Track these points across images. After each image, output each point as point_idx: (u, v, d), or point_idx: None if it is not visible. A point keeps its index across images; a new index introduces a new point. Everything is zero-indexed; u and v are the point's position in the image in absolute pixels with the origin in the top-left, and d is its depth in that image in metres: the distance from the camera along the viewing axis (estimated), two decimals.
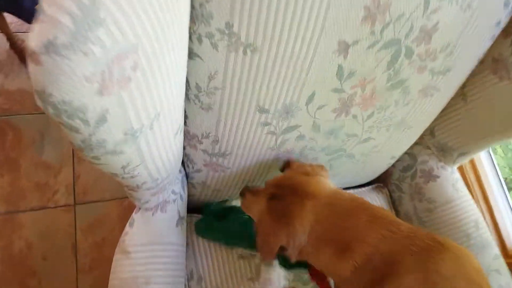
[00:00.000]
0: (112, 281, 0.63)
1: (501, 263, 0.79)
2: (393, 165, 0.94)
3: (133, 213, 0.68)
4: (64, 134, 0.32)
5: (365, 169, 0.85)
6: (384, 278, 0.49)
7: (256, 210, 0.60)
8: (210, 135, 0.62)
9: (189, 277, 0.76)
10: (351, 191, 0.97)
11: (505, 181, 1.06)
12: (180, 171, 0.73)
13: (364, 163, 0.81)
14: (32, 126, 1.31)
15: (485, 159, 1.07)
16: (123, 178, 0.47)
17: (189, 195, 0.81)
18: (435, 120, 0.78)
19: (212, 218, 0.81)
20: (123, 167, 0.42)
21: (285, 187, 0.58)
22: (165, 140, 0.46)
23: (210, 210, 0.83)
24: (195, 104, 0.56)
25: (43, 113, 0.29)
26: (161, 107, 0.38)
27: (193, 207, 0.87)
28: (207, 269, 0.77)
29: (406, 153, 0.90)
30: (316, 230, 0.53)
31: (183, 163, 0.73)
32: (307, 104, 0.56)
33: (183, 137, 0.57)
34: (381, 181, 1.00)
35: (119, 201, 1.28)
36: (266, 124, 0.60)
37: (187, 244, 0.77)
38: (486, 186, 1.03)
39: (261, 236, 0.58)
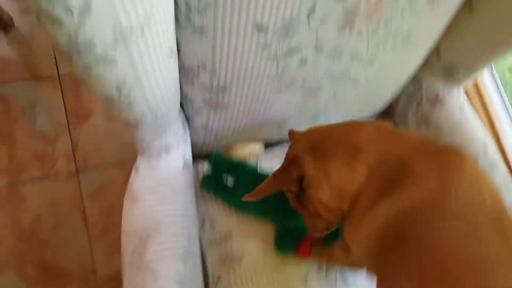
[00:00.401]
0: (125, 228, 0.62)
1: (510, 182, 0.78)
2: (398, 95, 0.91)
3: (137, 160, 0.66)
4: (50, 38, 0.29)
5: (370, 98, 0.82)
6: (398, 185, 0.46)
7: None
8: (206, 65, 0.58)
9: (202, 223, 0.76)
10: None
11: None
12: (180, 113, 0.70)
13: (369, 90, 0.78)
14: (20, 95, 1.26)
15: (490, 85, 1.05)
16: (120, 106, 0.44)
17: (192, 143, 0.79)
18: (442, 38, 0.75)
19: (219, 176, 0.76)
20: (118, 87, 0.39)
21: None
22: (159, 57, 0.43)
23: (217, 162, 0.77)
24: (187, 28, 0.52)
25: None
26: (150, 7, 0.35)
27: (198, 154, 0.85)
28: (218, 211, 0.76)
29: (410, 80, 0.87)
30: (316, 145, 0.52)
31: (182, 106, 0.70)
32: (308, 16, 0.52)
33: (177, 66, 0.54)
34: (385, 114, 0.98)
35: (123, 165, 1.26)
36: (266, 46, 0.56)
37: (196, 192, 0.75)
38: (492, 112, 1.01)
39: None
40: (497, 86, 1.03)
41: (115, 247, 1.18)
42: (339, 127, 0.54)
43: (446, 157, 0.47)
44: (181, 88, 0.64)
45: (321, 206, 0.53)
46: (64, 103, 1.29)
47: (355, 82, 0.73)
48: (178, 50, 0.55)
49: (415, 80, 0.86)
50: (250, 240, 0.75)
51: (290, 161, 0.54)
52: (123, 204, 0.64)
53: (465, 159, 0.47)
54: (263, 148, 0.91)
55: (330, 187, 0.51)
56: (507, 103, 1.03)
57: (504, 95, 1.04)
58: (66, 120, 1.27)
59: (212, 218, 0.76)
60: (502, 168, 0.78)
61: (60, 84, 1.30)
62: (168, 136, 0.65)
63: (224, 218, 0.76)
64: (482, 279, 0.40)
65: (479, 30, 0.71)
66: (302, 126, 0.63)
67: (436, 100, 0.83)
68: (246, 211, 0.76)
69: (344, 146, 0.50)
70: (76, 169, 1.23)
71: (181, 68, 0.59)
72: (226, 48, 0.56)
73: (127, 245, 0.60)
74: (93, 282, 1.15)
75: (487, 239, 0.41)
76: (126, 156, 1.27)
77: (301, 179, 0.53)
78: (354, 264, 0.67)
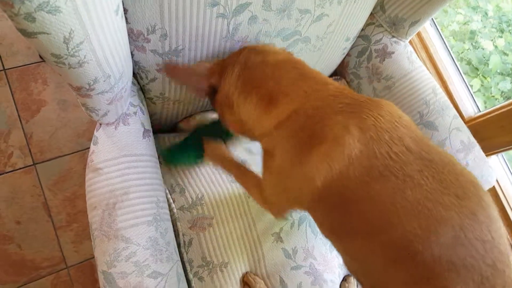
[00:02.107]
0: (90, 200, 0.61)
1: (460, 122, 0.84)
2: (348, 54, 0.95)
3: (95, 131, 0.64)
4: None
5: (323, 58, 0.84)
6: (312, 140, 0.48)
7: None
8: (156, 28, 0.58)
9: (171, 191, 0.76)
10: None
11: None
12: (133, 83, 0.69)
13: (321, 50, 0.81)
14: None
15: (434, 36, 1.11)
16: (70, 65, 0.43)
17: (151, 116, 0.78)
18: None
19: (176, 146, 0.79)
20: (66, 40, 0.38)
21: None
22: (106, 12, 0.41)
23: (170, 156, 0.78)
24: None
25: None
26: None
27: (158, 127, 0.84)
28: (186, 179, 0.77)
29: (359, 36, 0.90)
30: (243, 75, 0.55)
31: (135, 76, 0.69)
32: None
33: (125, 27, 0.53)
34: (338, 74, 1.02)
35: (80, 154, 1.22)
36: (214, 3, 0.56)
37: (160, 163, 0.75)
38: (437, 61, 1.07)
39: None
40: (441, 36, 1.09)
41: (83, 235, 1.16)
42: (273, 69, 0.55)
43: (364, 111, 0.48)
44: (132, 56, 0.63)
45: (223, 119, 0.62)
46: (13, 97, 1.22)
47: (307, 41, 0.75)
48: (125, 16, 0.54)
49: (364, 36, 0.90)
50: (221, 202, 0.76)
51: (216, 71, 0.60)
52: (86, 177, 0.63)
53: (381, 109, 0.48)
54: None
55: (233, 113, 0.58)
56: (452, 53, 1.10)
57: (448, 46, 1.10)
58: (17, 114, 1.21)
59: (181, 185, 0.77)
60: (452, 110, 0.84)
61: (7, 79, 1.23)
62: (124, 105, 0.63)
63: (194, 183, 0.77)
64: (422, 219, 0.42)
65: None
66: None
67: (385, 53, 0.87)
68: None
69: (264, 93, 0.54)
70: (33, 161, 1.18)
71: (130, 33, 0.58)
72: (174, 8, 0.55)
73: (94, 216, 0.59)
74: (65, 272, 1.12)
75: (418, 183, 0.43)
76: (83, 145, 1.23)
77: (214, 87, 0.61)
78: (269, 207, 0.67)
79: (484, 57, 1.55)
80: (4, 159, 1.16)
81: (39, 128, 1.22)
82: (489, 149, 0.91)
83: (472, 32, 1.63)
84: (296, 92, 0.52)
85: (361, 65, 0.93)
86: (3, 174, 1.14)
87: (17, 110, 1.22)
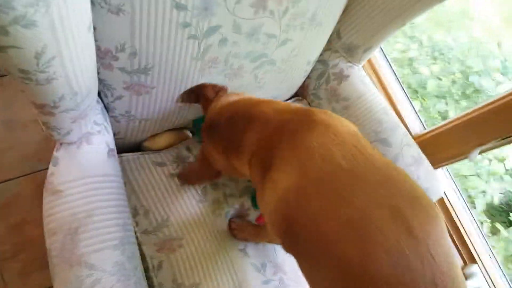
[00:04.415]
0: (49, 225, 0.57)
1: (409, 138, 0.92)
2: (309, 77, 1.00)
3: (54, 151, 0.61)
4: None
5: (286, 79, 0.89)
6: (270, 165, 0.50)
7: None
8: (125, 46, 0.57)
9: (134, 214, 0.73)
10: None
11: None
12: (98, 101, 0.67)
13: (285, 71, 0.85)
14: None
15: (382, 62, 1.21)
16: (37, 81, 0.41)
17: (115, 135, 0.76)
18: (340, 21, 0.85)
19: None
20: (37, 55, 0.36)
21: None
22: (80, 27, 0.41)
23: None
24: (102, 7, 0.50)
25: None
26: None
27: (122, 147, 0.82)
28: (151, 200, 0.75)
29: (318, 61, 0.96)
30: (218, 146, 0.63)
31: (99, 94, 0.67)
32: None
33: (94, 44, 0.52)
34: (299, 95, 1.07)
35: (31, 177, 1.13)
36: (186, 25, 0.57)
37: (124, 183, 0.72)
38: (386, 84, 1.17)
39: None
40: (388, 63, 1.20)
41: (31, 266, 1.06)
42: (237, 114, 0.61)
43: (301, 130, 0.50)
44: (98, 74, 0.61)
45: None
46: None
47: (273, 63, 0.79)
48: (93, 30, 0.53)
49: (323, 61, 0.96)
50: (188, 222, 0.75)
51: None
52: (43, 200, 0.59)
53: (319, 132, 0.49)
54: (190, 134, 0.91)
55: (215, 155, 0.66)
56: (398, 74, 1.20)
57: (394, 68, 1.21)
58: None
59: (146, 207, 0.74)
60: (402, 128, 0.91)
61: None
62: (88, 123, 0.61)
63: (159, 205, 0.75)
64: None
65: (371, 11, 0.82)
66: None
67: (341, 76, 0.93)
68: None
69: (233, 151, 0.60)
70: None
71: (97, 51, 0.57)
72: (145, 28, 0.55)
73: (53, 242, 0.55)
74: None
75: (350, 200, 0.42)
76: (32, 167, 1.14)
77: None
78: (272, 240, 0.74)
79: (422, 81, 1.72)
80: None
81: None
82: (435, 163, 1.00)
83: (410, 59, 1.80)
84: (251, 137, 0.56)
85: (320, 87, 0.98)
86: None
87: None
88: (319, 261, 0.43)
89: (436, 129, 1.05)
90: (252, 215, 0.84)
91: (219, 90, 0.71)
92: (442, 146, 1.05)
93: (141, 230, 0.72)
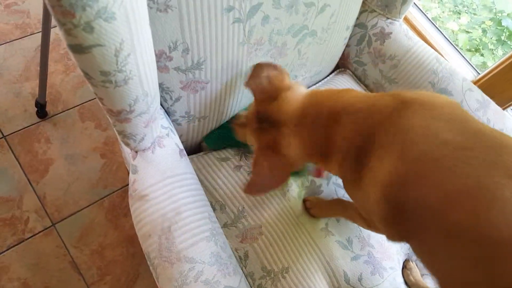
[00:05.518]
0: (142, 229, 0.58)
1: (469, 82, 0.87)
2: (348, 45, 0.98)
3: (131, 161, 0.63)
4: None
5: (328, 50, 0.87)
6: (367, 154, 0.49)
7: (250, 141, 0.67)
8: (178, 44, 0.58)
9: (214, 209, 0.74)
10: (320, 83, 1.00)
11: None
12: (160, 107, 0.69)
13: (326, 42, 0.83)
14: None
15: (417, 14, 1.16)
16: (116, 82, 0.42)
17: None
18: None
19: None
20: (116, 52, 0.38)
21: (262, 120, 0.63)
22: (144, 21, 0.42)
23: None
24: (151, 7, 0.52)
25: None
26: None
27: (187, 152, 0.83)
28: (224, 194, 0.75)
29: (356, 25, 0.93)
30: (304, 146, 0.59)
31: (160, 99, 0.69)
32: None
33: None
34: (341, 67, 1.04)
35: (99, 204, 1.19)
36: (230, 8, 0.58)
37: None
38: (428, 37, 1.12)
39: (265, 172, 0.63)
40: (427, 17, 1.15)
41: (118, 285, 1.10)
42: (323, 100, 0.59)
43: (398, 113, 0.48)
44: None
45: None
46: (19, 162, 1.20)
47: (314, 34, 0.77)
48: None
49: (361, 24, 0.93)
50: (263, 209, 0.75)
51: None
52: (131, 208, 0.61)
53: (415, 111, 0.47)
54: None
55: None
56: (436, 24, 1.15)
57: (434, 23, 1.16)
58: (26, 177, 1.18)
59: (221, 202, 0.75)
60: (459, 73, 0.86)
61: (8, 145, 1.21)
62: (157, 127, 0.63)
63: (233, 197, 0.75)
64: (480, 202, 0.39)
65: None
66: None
67: (383, 35, 0.90)
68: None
69: (320, 152, 0.57)
70: (52, 222, 1.13)
71: None
72: (193, 19, 0.56)
73: (150, 245, 0.57)
74: None
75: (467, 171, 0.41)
76: (99, 194, 1.20)
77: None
78: (375, 228, 0.70)
79: (451, 38, 1.67)
80: (22, 226, 1.11)
81: (51, 187, 1.18)
82: (502, 104, 0.94)
83: (434, 19, 1.74)
84: (343, 136, 0.54)
85: (362, 52, 0.95)
86: (23, 241, 1.09)
87: (25, 173, 1.19)
88: (438, 240, 0.42)
89: (490, 71, 0.99)
90: (325, 191, 0.82)
91: (281, 73, 0.66)
92: (502, 87, 0.98)
93: (221, 225, 0.73)
